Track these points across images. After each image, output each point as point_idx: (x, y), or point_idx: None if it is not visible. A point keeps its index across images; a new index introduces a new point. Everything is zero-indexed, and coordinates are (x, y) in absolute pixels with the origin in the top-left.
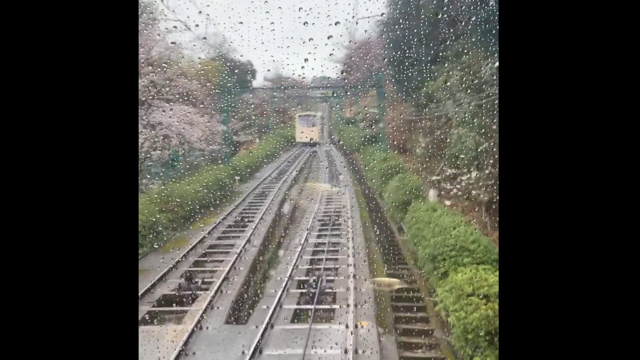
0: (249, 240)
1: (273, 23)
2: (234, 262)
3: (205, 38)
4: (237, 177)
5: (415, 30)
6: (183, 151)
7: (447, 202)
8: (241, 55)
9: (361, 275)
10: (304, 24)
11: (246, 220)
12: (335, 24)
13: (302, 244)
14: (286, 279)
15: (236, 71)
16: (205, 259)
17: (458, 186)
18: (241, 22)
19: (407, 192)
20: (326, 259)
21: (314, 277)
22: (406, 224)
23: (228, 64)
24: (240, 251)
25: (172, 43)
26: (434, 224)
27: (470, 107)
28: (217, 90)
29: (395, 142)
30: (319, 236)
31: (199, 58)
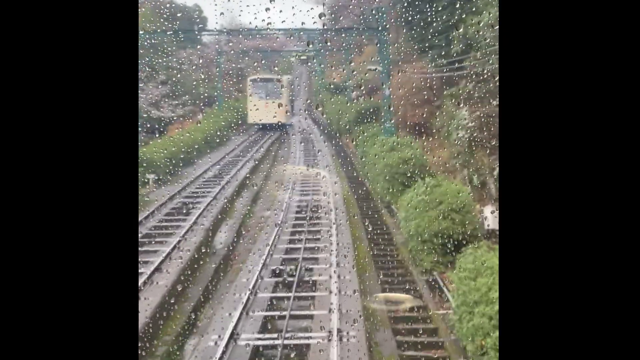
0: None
1: None
2: None
3: None
4: (151, 177)
5: None
6: None
7: None
8: None
9: None
10: None
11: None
12: None
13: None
14: None
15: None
16: None
17: None
18: None
19: (450, 220)
20: None
21: None
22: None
23: (164, 7)
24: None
25: None
26: None
27: None
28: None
29: (408, 120)
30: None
31: None
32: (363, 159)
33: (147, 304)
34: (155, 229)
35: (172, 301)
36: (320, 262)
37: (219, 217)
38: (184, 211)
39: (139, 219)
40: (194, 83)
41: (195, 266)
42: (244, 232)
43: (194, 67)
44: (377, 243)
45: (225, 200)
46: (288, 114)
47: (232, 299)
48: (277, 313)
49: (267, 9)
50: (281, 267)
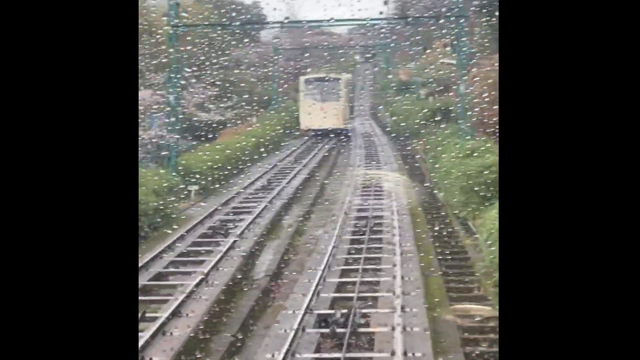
0: None
1: None
2: None
3: None
4: (193, 188)
5: None
6: None
7: None
8: None
9: None
10: None
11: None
12: None
13: None
14: None
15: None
16: None
17: None
18: None
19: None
20: None
21: None
22: None
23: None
24: None
25: None
26: None
27: None
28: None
29: (488, 120)
30: None
31: None
32: (434, 166)
33: None
34: (184, 257)
35: None
36: (381, 303)
37: (263, 237)
38: (222, 231)
39: (168, 244)
40: (249, 84)
41: (225, 306)
42: (290, 257)
43: (250, 66)
44: (453, 274)
45: (273, 216)
46: (347, 118)
47: None
48: None
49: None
50: (330, 310)
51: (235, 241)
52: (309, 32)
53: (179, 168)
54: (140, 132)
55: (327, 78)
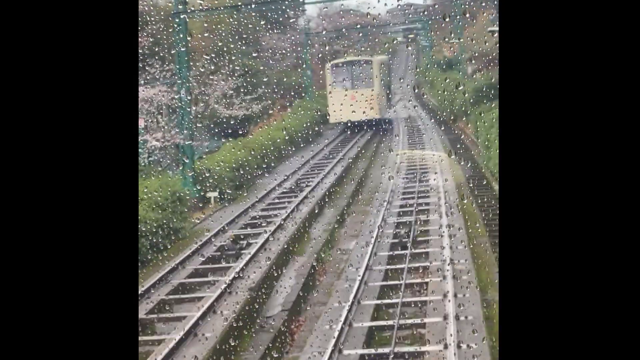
0: None
1: None
2: None
3: None
4: (213, 195)
5: None
6: None
7: None
8: None
9: None
10: None
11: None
12: None
13: None
14: None
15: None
16: None
17: None
18: None
19: None
20: None
21: None
22: None
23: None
24: None
25: None
26: None
27: None
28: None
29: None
30: None
31: None
32: (488, 151)
33: None
34: (176, 294)
35: None
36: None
37: (285, 254)
38: (234, 251)
39: (162, 275)
40: (278, 73)
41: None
42: (316, 280)
43: (277, 53)
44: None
45: (298, 227)
46: (384, 106)
47: None
48: None
49: None
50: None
51: (247, 265)
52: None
53: (198, 171)
54: (159, 135)
55: (357, 62)
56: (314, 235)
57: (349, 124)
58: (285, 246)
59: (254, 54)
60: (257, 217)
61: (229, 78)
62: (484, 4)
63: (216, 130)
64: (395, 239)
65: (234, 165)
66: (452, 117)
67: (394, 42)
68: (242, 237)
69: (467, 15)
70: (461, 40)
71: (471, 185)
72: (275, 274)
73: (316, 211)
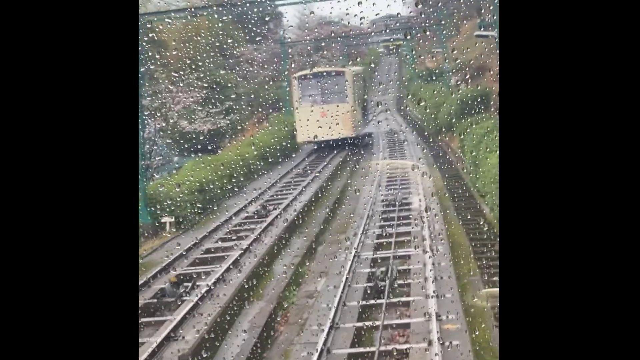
0: None
1: None
2: None
3: None
4: (167, 220)
5: None
6: None
7: None
8: None
9: None
10: None
11: None
12: None
13: None
14: None
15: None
16: None
17: None
18: None
19: None
20: None
21: None
22: None
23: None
24: None
25: None
26: None
27: None
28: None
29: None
30: None
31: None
32: (477, 170)
33: None
34: None
35: None
36: None
37: (239, 296)
38: (173, 297)
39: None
40: (253, 84)
41: None
42: (276, 330)
43: (255, 65)
44: None
45: (258, 261)
46: (359, 122)
47: None
48: None
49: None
50: None
51: (187, 316)
52: (325, 26)
53: (152, 193)
54: None
55: (327, 73)
56: (277, 272)
57: (321, 145)
58: (240, 289)
59: (225, 65)
60: (212, 249)
61: (192, 90)
62: (465, 15)
63: (186, 146)
64: (370, 282)
65: (197, 186)
66: (435, 131)
67: (379, 53)
68: (186, 277)
69: (450, 23)
70: (445, 50)
71: (459, 213)
72: (225, 327)
73: (282, 241)
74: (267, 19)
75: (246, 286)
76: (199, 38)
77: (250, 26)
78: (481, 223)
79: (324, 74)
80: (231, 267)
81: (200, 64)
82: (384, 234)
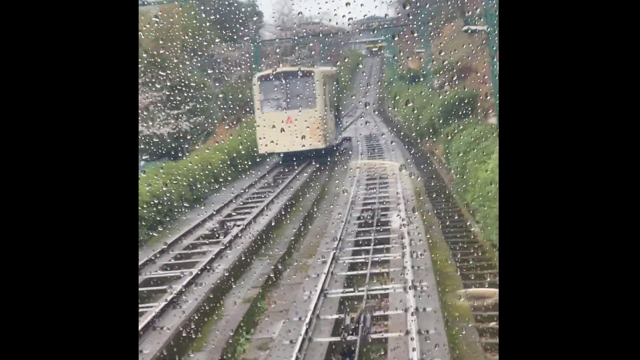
0: None
1: None
2: None
3: None
4: None
5: None
6: None
7: None
8: None
9: None
10: None
11: None
12: None
13: None
14: None
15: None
16: None
17: None
18: None
19: None
20: None
21: None
22: None
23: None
24: None
25: None
26: None
27: None
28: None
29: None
30: None
31: None
32: (463, 181)
33: None
34: None
35: None
36: None
37: (175, 350)
38: None
39: None
40: (222, 85)
41: None
42: None
43: (227, 65)
44: None
45: (206, 295)
46: (332, 132)
47: None
48: None
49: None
50: None
51: None
52: (303, 25)
53: None
54: None
55: (293, 73)
56: (226, 312)
57: (286, 157)
58: (177, 335)
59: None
60: (152, 280)
61: (151, 90)
62: (449, 15)
63: (151, 151)
64: (341, 312)
65: (152, 197)
66: (418, 135)
67: (363, 53)
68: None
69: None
70: (428, 50)
71: (440, 218)
72: None
73: (240, 268)
74: (242, 16)
75: (184, 333)
76: (169, 33)
77: (224, 22)
78: (467, 239)
79: (290, 74)
80: (173, 302)
81: (167, 61)
82: (358, 264)
